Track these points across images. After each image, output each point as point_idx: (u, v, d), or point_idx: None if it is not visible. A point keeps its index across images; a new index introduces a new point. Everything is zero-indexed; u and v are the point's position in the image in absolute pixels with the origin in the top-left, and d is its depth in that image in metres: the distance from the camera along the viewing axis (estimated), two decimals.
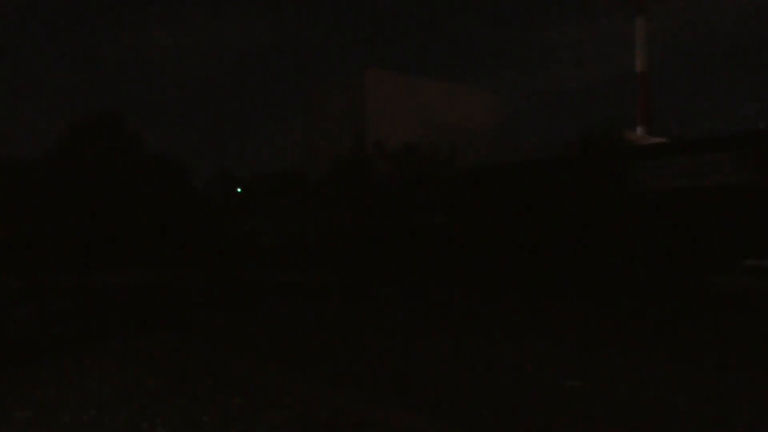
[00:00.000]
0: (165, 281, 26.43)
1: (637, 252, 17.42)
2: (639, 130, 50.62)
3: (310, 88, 52.56)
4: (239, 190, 45.57)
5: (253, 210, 42.47)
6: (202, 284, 24.85)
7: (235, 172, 51.33)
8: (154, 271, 31.98)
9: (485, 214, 23.99)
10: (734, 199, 15.28)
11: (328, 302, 18.09)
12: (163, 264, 36.77)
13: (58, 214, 38.72)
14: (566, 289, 19.15)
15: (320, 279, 27.75)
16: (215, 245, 40.31)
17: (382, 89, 47.49)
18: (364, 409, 6.50)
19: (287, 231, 38.87)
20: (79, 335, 10.91)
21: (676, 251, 16.46)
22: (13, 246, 36.67)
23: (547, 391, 7.16)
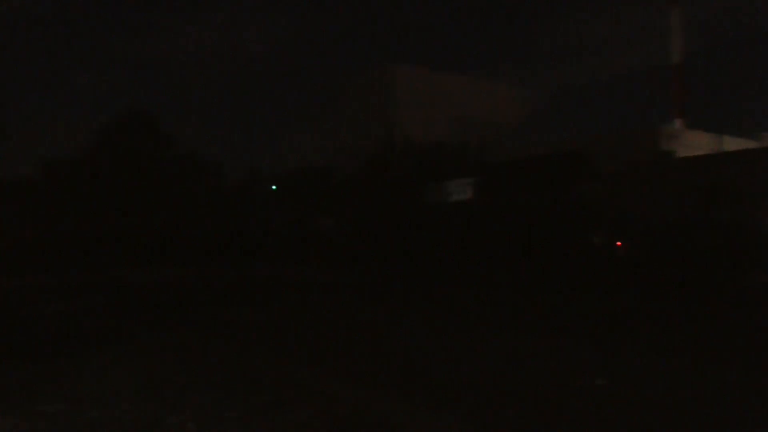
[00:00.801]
0: (193, 278, 26.79)
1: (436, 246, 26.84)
2: (676, 123, 49.39)
3: (337, 84, 52.77)
4: (274, 187, 45.92)
5: (280, 207, 42.78)
6: (229, 281, 25.11)
7: (264, 170, 51.79)
8: (184, 268, 32.46)
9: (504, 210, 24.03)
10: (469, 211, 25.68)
11: (352, 298, 18.10)
12: (193, 261, 37.30)
13: (92, 213, 39.58)
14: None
15: (345, 275, 27.79)
16: (243, 242, 40.71)
17: (409, 85, 47.34)
18: (386, 406, 6.45)
19: (313, 228, 39.04)
20: (108, 330, 11.10)
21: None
22: (47, 244, 37.62)
23: (575, 390, 7.01)
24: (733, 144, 40.56)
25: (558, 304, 15.58)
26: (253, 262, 36.06)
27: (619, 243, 20.17)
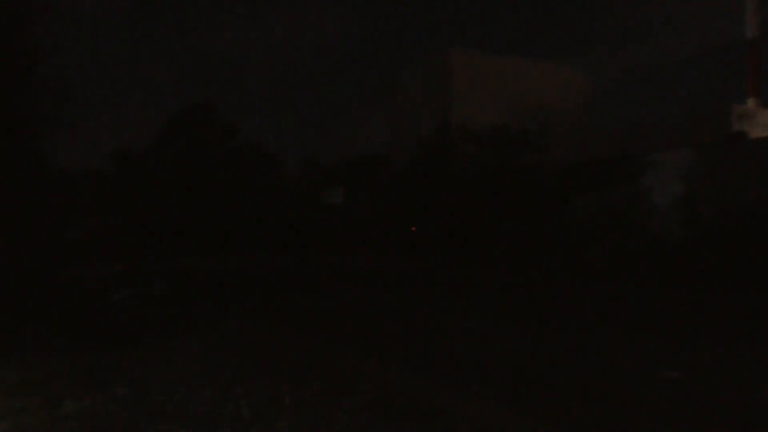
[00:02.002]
0: (254, 266, 27.39)
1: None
2: (750, 102, 46.60)
3: (396, 71, 52.47)
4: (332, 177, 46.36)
5: (340, 197, 43.12)
6: (287, 269, 25.54)
7: (322, 159, 52.33)
8: (246, 256, 33.26)
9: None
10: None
11: (408, 286, 18.05)
12: (253, 249, 38.15)
13: (158, 203, 41.05)
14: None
15: (401, 263, 27.77)
16: (301, 231, 41.35)
17: (467, 69, 46.59)
18: (441, 396, 6.37)
19: (370, 216, 39.17)
20: (172, 317, 11.48)
21: None
22: (116, 233, 39.30)
23: (643, 382, 6.73)
24: None
25: (622, 294, 15.07)
26: (313, 250, 36.55)
27: (414, 228, 19.71)
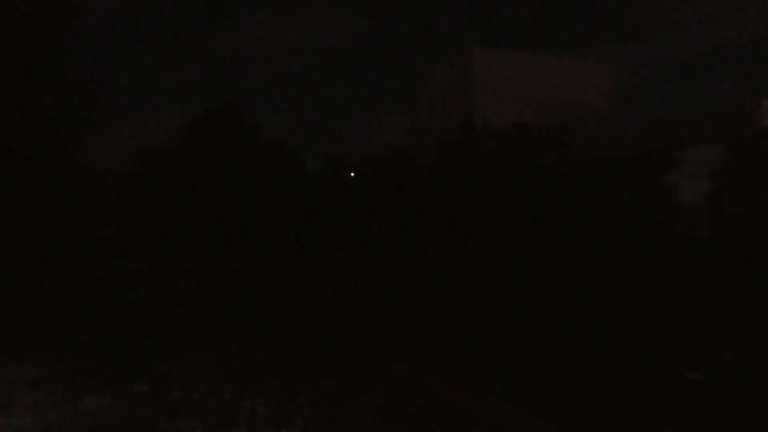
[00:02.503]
0: (276, 263, 27.60)
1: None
2: None
3: (418, 69, 52.31)
4: (352, 174, 46.47)
5: (359, 195, 43.18)
6: (309, 266, 25.67)
7: (345, 158, 52.44)
8: (266, 254, 33.52)
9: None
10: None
11: (427, 285, 18.02)
12: (275, 247, 38.43)
13: (183, 201, 41.58)
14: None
15: (421, 261, 27.73)
16: (322, 230, 41.53)
17: (489, 67, 46.22)
18: (459, 397, 6.34)
19: (393, 215, 39.15)
20: (193, 315, 11.63)
21: None
22: (140, 231, 39.90)
23: (664, 383, 6.62)
24: None
25: (646, 292, 14.84)
26: (335, 249, 36.67)
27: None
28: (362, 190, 43.42)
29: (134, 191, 43.35)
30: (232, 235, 40.07)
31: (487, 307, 13.11)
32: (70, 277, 13.92)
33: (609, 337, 9.30)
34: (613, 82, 54.15)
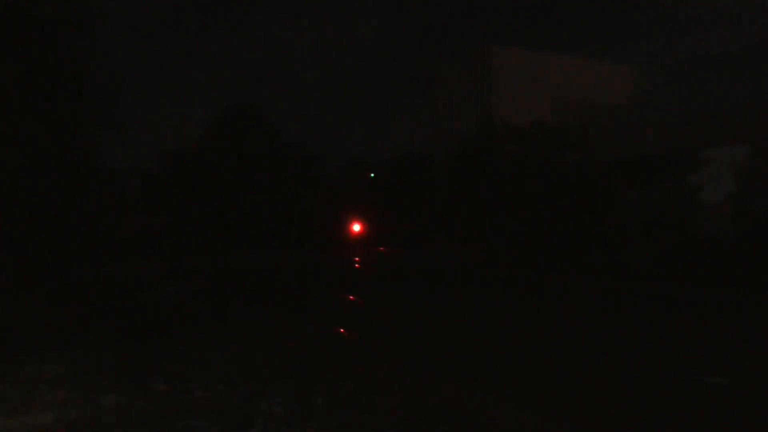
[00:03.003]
0: (295, 263, 27.72)
1: None
2: None
3: (436, 69, 52.15)
4: (372, 175, 46.59)
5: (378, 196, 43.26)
6: (327, 266, 25.74)
7: (364, 158, 52.57)
8: (285, 254, 33.68)
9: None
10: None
11: (444, 284, 17.96)
12: (294, 247, 38.59)
13: (203, 201, 42.03)
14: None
15: (441, 260, 27.64)
16: (343, 229, 41.65)
17: (509, 67, 45.91)
18: (474, 399, 6.30)
19: (411, 215, 39.11)
20: (213, 314, 11.72)
21: None
22: (161, 231, 40.41)
23: (683, 388, 6.50)
24: None
25: (668, 294, 14.61)
26: (354, 248, 36.73)
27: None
28: (382, 190, 43.47)
29: (156, 191, 43.93)
30: (252, 235, 40.40)
31: (505, 308, 13.02)
32: (92, 276, 14.12)
33: (630, 340, 9.18)
34: (636, 81, 53.44)
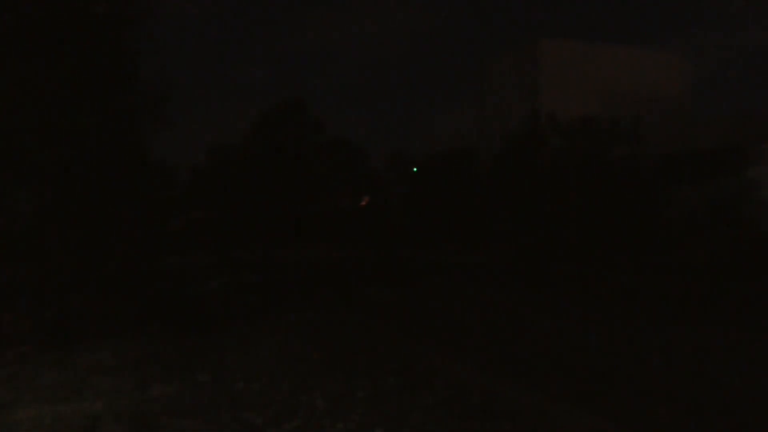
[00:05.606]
0: (339, 258, 27.89)
1: None
2: None
3: (485, 63, 51.44)
4: (415, 169, 46.44)
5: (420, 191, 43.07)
6: (371, 261, 25.79)
7: (409, 153, 52.43)
8: (332, 249, 33.93)
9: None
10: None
11: (489, 281, 17.72)
12: (340, 242, 38.83)
13: (250, 195, 42.75)
14: None
15: (485, 257, 27.32)
16: (387, 225, 41.66)
17: (557, 59, 44.97)
18: (518, 397, 6.16)
19: (455, 209, 38.81)
20: (259, 307, 11.89)
21: None
22: (210, 225, 41.31)
23: (750, 391, 6.20)
24: None
25: (726, 292, 14.03)
26: (399, 244, 36.70)
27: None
28: (426, 185, 43.27)
29: (204, 186, 44.93)
30: (299, 229, 40.89)
31: (552, 305, 12.74)
32: (144, 270, 14.51)
33: (685, 340, 8.83)
34: (691, 72, 51.57)
